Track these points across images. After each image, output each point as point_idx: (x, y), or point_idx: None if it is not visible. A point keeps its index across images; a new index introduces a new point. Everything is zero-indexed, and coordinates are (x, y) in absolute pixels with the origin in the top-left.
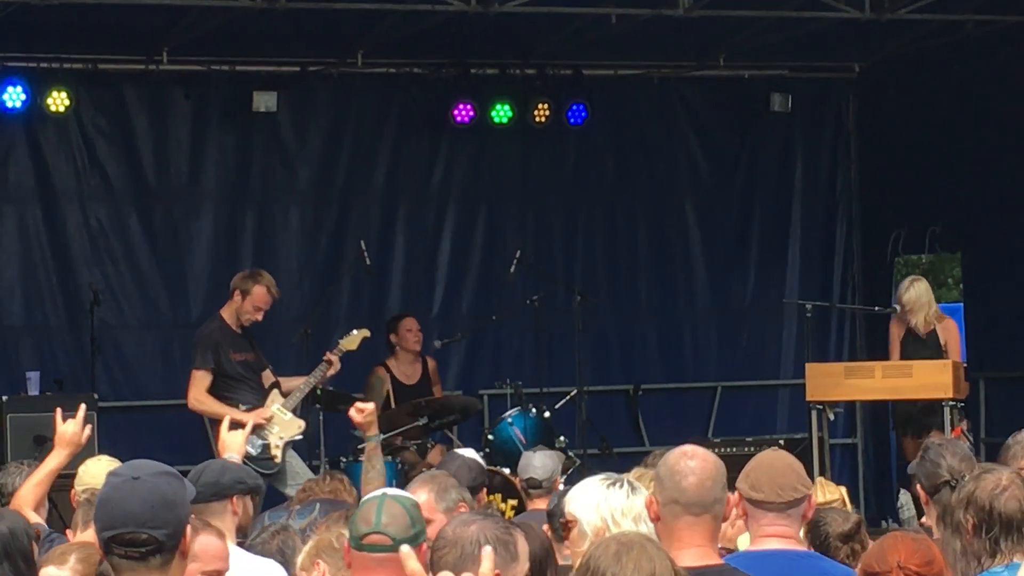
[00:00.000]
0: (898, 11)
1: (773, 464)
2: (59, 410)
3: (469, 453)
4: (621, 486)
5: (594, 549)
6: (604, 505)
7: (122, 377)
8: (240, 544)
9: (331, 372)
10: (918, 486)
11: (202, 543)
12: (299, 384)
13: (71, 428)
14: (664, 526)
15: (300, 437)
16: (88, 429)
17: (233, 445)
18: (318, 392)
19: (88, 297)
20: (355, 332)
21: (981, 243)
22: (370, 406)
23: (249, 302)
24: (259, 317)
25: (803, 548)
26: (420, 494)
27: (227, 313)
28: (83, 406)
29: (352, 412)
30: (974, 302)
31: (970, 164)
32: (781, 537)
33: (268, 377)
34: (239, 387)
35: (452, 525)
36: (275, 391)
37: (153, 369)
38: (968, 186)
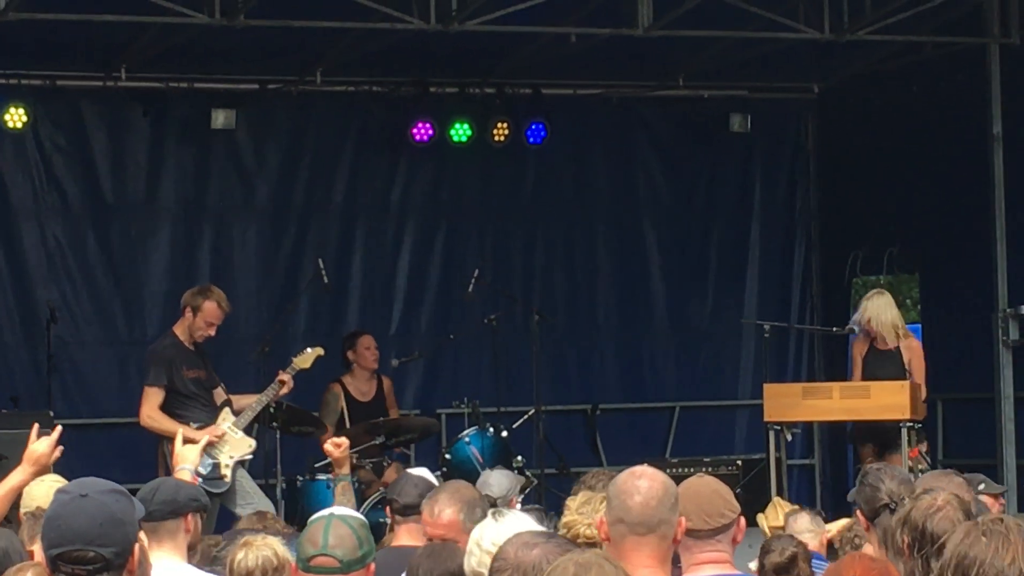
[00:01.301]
0: (857, 32)
1: (699, 491)
2: (36, 426)
3: (422, 472)
4: (491, 516)
5: (551, 571)
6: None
7: (78, 394)
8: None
9: (283, 391)
10: (858, 512)
11: None
12: (251, 403)
13: (42, 447)
14: (613, 546)
15: (250, 456)
16: (59, 451)
17: (188, 457)
18: (278, 408)
19: (45, 314)
20: (309, 350)
21: (939, 264)
22: (345, 441)
23: (200, 318)
24: (212, 332)
25: (738, 572)
26: (445, 511)
27: (180, 330)
28: (59, 428)
29: (328, 446)
30: (932, 323)
31: (928, 185)
32: (715, 563)
33: (220, 395)
34: (191, 404)
35: (514, 546)
36: (226, 409)
37: (109, 386)
38: (926, 207)
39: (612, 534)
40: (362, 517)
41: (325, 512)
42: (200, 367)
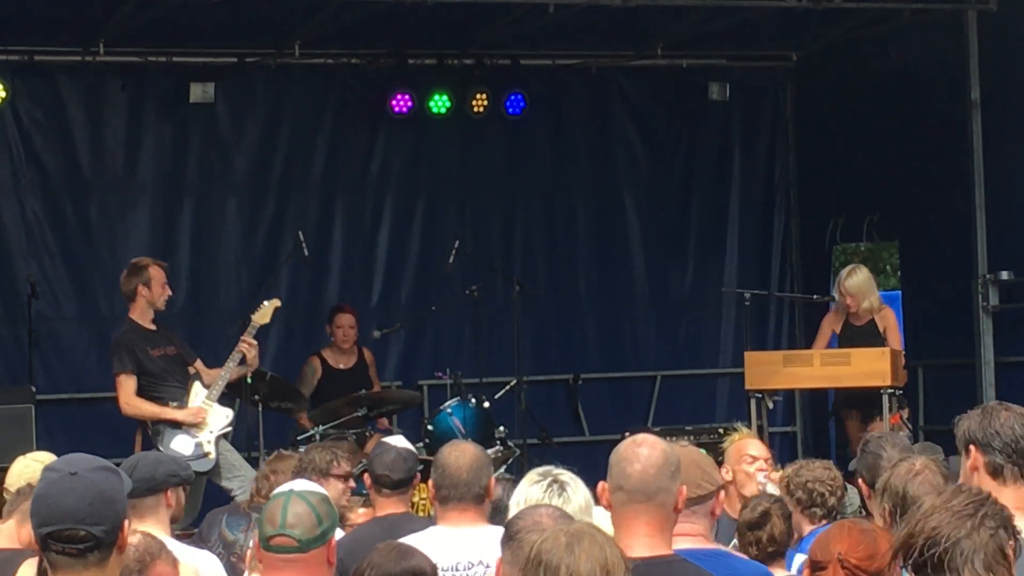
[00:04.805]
0: None
1: None
2: None
3: (399, 441)
4: (547, 484)
5: (542, 542)
6: (523, 501)
7: (60, 369)
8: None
9: (249, 355)
10: (860, 480)
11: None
12: (218, 375)
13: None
14: (615, 513)
15: (230, 428)
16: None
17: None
18: (261, 378)
19: (25, 289)
20: (265, 304)
21: (918, 231)
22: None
23: (155, 286)
24: (170, 291)
25: (712, 546)
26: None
27: (136, 314)
28: None
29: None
30: (912, 290)
31: (907, 152)
32: (689, 536)
33: (198, 369)
34: (165, 383)
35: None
36: (197, 384)
37: (91, 361)
38: (905, 174)
39: (613, 501)
40: (322, 491)
41: (285, 488)
42: (167, 344)
